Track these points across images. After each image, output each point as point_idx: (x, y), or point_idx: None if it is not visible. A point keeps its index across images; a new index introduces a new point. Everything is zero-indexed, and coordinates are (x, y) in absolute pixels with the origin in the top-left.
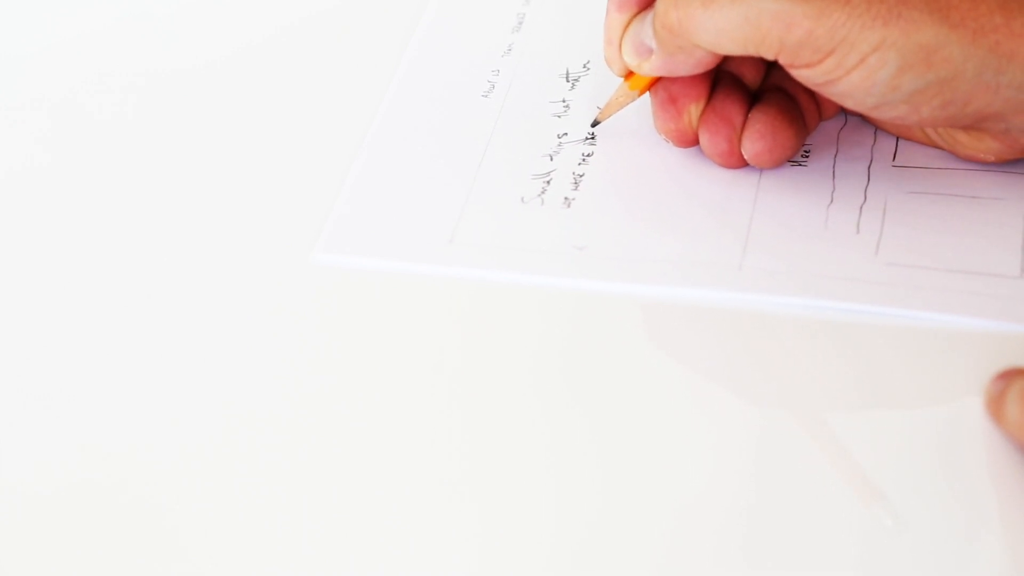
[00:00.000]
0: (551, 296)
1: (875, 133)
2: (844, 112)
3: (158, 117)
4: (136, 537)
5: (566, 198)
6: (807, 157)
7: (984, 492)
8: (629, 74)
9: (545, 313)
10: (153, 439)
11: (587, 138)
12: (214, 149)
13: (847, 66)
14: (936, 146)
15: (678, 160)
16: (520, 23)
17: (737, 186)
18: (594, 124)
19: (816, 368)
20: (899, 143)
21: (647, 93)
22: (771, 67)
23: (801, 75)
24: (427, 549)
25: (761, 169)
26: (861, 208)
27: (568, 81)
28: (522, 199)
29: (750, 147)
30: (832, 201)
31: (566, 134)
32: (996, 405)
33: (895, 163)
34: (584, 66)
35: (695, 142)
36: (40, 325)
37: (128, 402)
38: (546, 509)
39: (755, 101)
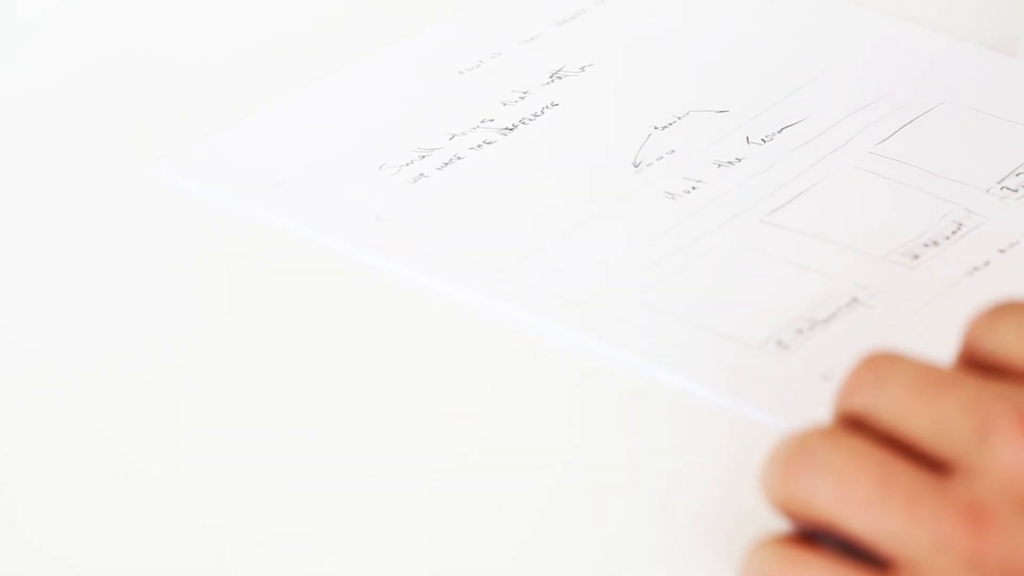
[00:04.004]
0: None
1: None
2: None
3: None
4: None
5: (422, 174)
6: None
7: None
8: None
9: (343, 280)
10: None
11: (506, 128)
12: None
13: None
14: None
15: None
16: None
17: None
18: None
19: None
20: None
21: None
22: None
23: None
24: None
25: None
26: None
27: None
28: (380, 167)
29: None
30: None
31: (492, 120)
32: None
33: None
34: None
35: None
36: None
37: None
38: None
39: None
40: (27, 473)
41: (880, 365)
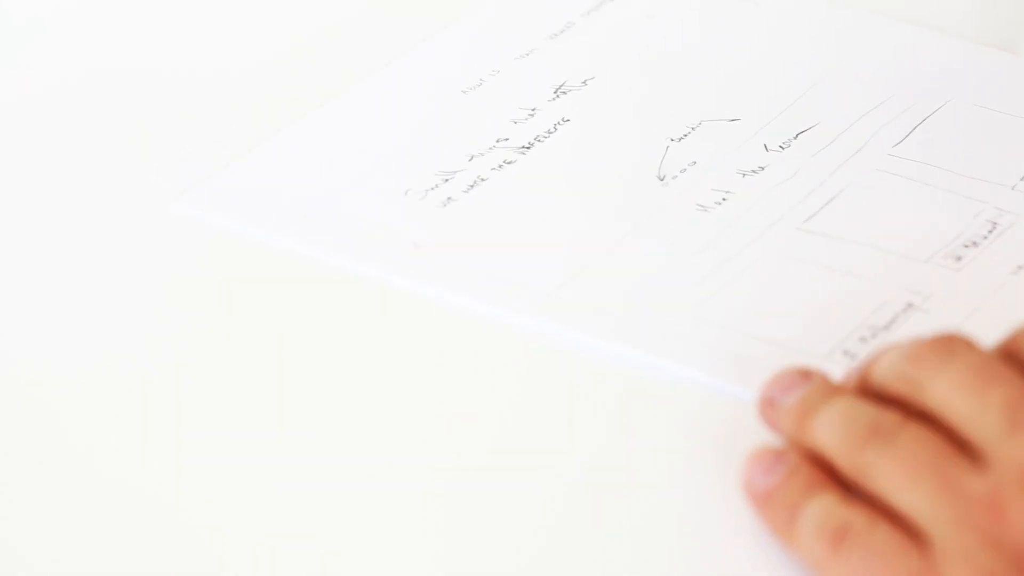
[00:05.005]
0: (383, 289)
1: None
2: None
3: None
4: None
5: (450, 198)
6: None
7: None
8: None
9: (380, 304)
10: None
11: (523, 146)
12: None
13: None
14: None
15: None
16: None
17: None
18: None
19: None
20: None
21: None
22: None
23: None
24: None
25: None
26: None
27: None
28: (406, 192)
29: None
30: None
31: (507, 139)
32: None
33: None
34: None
35: None
36: None
37: None
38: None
39: None
40: (27, 473)
41: (950, 344)
